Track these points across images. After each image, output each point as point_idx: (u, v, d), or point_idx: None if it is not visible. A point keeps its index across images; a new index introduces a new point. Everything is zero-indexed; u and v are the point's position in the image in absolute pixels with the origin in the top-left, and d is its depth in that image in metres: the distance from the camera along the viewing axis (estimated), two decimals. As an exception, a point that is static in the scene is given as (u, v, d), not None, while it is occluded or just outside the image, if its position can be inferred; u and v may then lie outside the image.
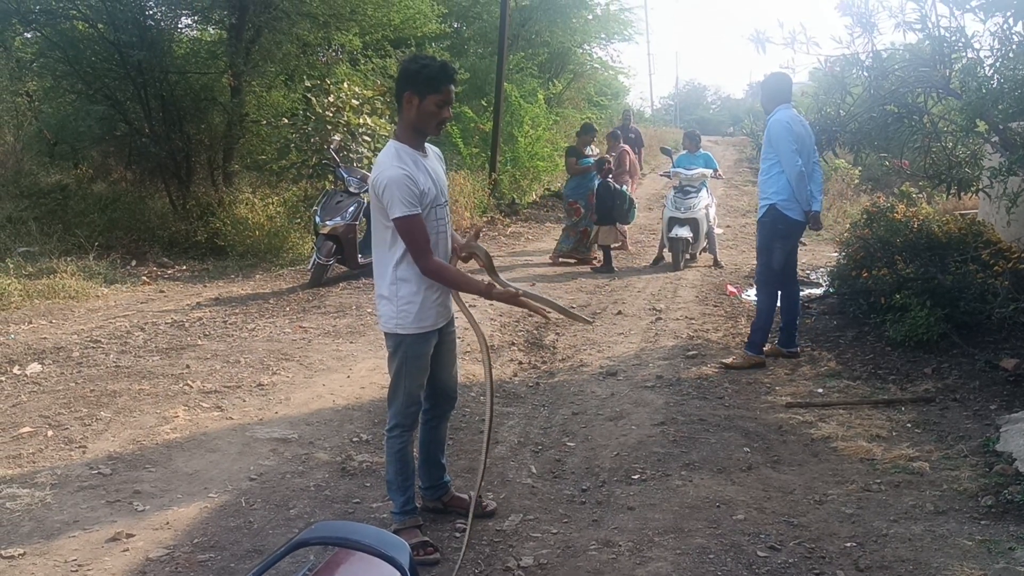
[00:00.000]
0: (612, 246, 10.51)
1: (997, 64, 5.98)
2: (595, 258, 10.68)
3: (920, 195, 11.04)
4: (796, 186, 5.97)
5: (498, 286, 3.51)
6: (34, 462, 4.44)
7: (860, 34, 6.60)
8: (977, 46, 6.19)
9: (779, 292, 6.37)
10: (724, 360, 6.31)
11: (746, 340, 6.46)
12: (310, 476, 4.36)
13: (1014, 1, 5.51)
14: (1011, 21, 5.71)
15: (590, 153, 10.97)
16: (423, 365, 3.55)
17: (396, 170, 3.28)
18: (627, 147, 12.45)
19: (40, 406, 5.27)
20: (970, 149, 6.83)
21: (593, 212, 10.40)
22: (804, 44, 6.66)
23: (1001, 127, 5.85)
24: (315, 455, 4.62)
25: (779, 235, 6.17)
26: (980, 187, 6.67)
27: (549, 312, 3.65)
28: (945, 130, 6.71)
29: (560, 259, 10.84)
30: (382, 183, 3.28)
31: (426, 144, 3.55)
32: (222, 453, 4.62)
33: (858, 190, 15.33)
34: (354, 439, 4.86)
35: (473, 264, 4.02)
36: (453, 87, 3.40)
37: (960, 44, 6.21)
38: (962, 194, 7.09)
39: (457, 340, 3.87)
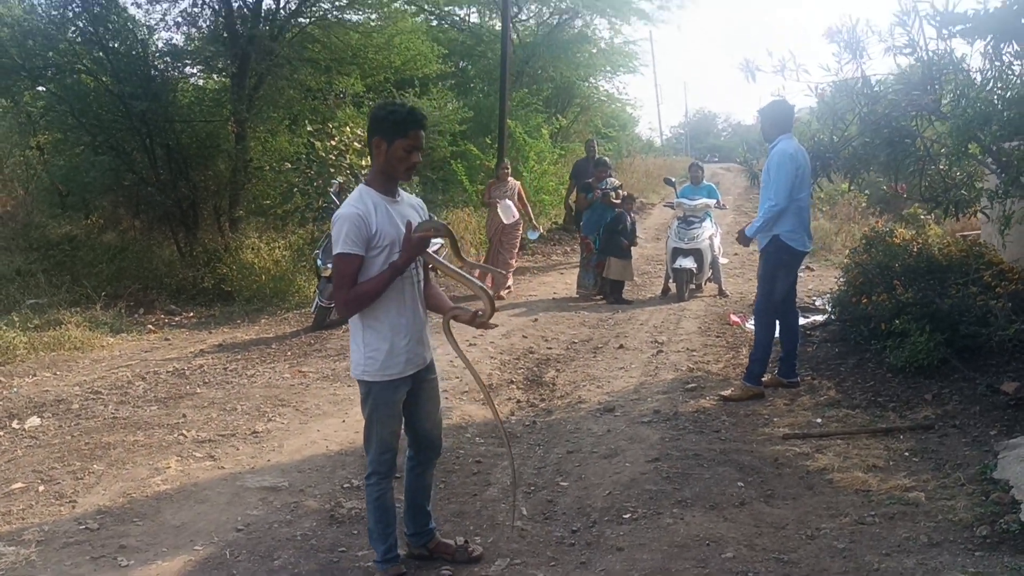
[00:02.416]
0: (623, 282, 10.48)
1: (987, 86, 5.94)
2: (599, 295, 10.63)
3: (928, 216, 10.93)
4: (768, 221, 5.94)
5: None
6: (23, 518, 4.44)
7: (848, 60, 6.60)
8: (966, 68, 6.16)
9: (777, 322, 6.31)
10: (723, 392, 6.23)
11: (745, 371, 6.39)
12: (297, 525, 4.32)
13: (996, 25, 5.48)
14: (995, 44, 5.68)
15: (604, 187, 10.91)
16: (393, 412, 3.52)
17: (350, 208, 3.33)
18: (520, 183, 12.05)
19: (34, 460, 5.28)
20: (965, 171, 6.78)
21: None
22: (794, 71, 6.67)
23: (994, 148, 5.79)
24: (304, 503, 4.59)
25: (783, 265, 6.13)
26: (979, 208, 6.61)
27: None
28: (939, 152, 6.66)
29: (580, 292, 10.75)
30: (335, 221, 3.34)
31: (405, 193, 3.57)
32: (211, 504, 4.59)
33: (866, 213, 15.23)
34: (345, 485, 4.82)
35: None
36: (422, 132, 3.42)
37: (950, 68, 6.18)
38: (960, 215, 7.02)
39: (441, 383, 3.84)
